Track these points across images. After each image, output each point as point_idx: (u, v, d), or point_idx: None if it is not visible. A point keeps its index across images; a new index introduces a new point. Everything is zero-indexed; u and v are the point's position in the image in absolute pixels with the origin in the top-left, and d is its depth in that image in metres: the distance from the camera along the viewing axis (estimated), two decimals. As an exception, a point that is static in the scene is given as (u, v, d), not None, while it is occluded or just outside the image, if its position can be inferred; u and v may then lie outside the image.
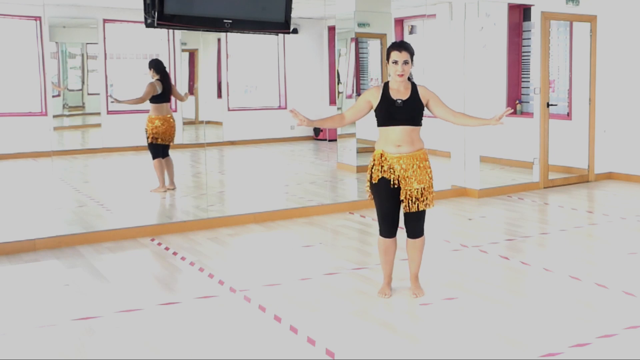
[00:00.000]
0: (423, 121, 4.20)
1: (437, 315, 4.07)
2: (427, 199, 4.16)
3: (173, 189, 7.38)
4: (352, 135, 8.76)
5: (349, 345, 3.60)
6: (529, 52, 8.71)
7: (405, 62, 4.06)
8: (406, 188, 4.11)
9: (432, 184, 4.19)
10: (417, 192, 4.11)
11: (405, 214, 4.20)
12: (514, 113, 9.16)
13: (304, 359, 3.46)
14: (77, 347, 3.61)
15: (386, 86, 4.16)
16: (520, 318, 3.97)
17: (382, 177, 4.12)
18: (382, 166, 4.12)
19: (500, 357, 3.43)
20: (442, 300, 4.28)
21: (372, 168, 4.18)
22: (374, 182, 4.16)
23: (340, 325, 3.89)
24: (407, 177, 4.10)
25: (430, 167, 4.19)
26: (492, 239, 5.87)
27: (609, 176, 8.88)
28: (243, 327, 3.92)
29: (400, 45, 4.09)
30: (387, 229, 4.23)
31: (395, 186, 4.12)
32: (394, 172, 4.10)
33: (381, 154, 4.14)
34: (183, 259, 5.33)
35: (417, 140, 4.15)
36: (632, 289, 4.44)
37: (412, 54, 4.10)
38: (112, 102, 7.55)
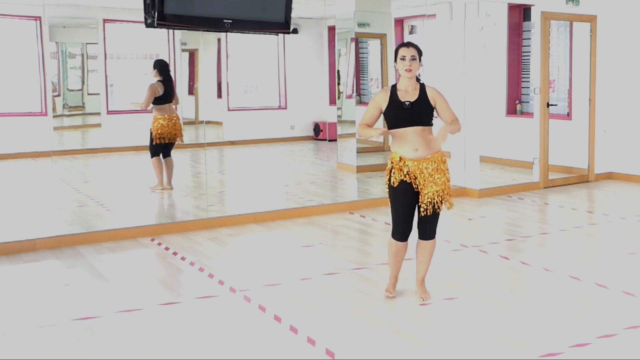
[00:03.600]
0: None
1: (437, 315, 4.07)
2: (445, 200, 4.14)
3: (170, 189, 7.38)
4: (352, 135, 8.77)
5: (349, 345, 3.60)
6: (529, 52, 8.71)
7: (413, 58, 4.07)
8: (425, 192, 4.08)
9: (449, 185, 4.17)
10: (436, 195, 4.09)
11: (420, 216, 4.17)
12: (514, 113, 9.17)
13: (304, 359, 3.46)
14: (77, 347, 3.61)
15: (394, 88, 4.14)
16: (520, 318, 3.98)
17: (403, 181, 4.09)
18: (401, 170, 4.09)
19: (500, 357, 3.43)
20: (442, 300, 4.28)
21: (391, 171, 4.14)
22: (393, 185, 4.12)
23: (340, 325, 3.89)
24: (426, 181, 4.07)
25: (448, 169, 4.17)
26: (492, 239, 5.87)
27: (609, 176, 8.88)
28: (243, 327, 3.92)
29: (408, 43, 4.15)
30: (401, 233, 4.19)
31: (415, 190, 4.10)
32: (415, 177, 4.08)
33: (400, 158, 4.10)
34: (183, 259, 5.33)
35: (432, 141, 4.12)
36: (632, 289, 4.44)
37: (419, 51, 4.12)
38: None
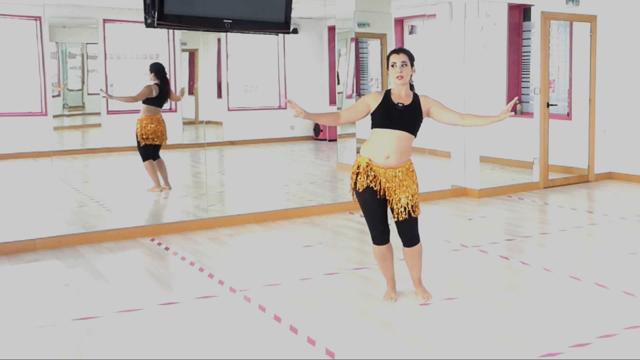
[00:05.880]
0: (423, 125, 4.15)
1: (437, 315, 4.07)
2: (415, 205, 4.09)
3: (169, 189, 7.38)
4: (352, 135, 8.76)
5: (349, 345, 3.60)
6: (529, 52, 8.71)
7: (404, 64, 4.01)
8: (393, 197, 4.05)
9: (417, 190, 4.12)
10: (404, 200, 4.04)
11: (397, 223, 4.12)
12: (514, 113, 9.15)
13: (304, 359, 3.46)
14: (77, 347, 3.61)
15: (388, 92, 4.10)
16: (520, 318, 3.98)
17: (368, 187, 4.04)
18: (367, 175, 4.04)
19: (500, 357, 3.43)
20: (442, 300, 4.28)
21: (356, 175, 4.08)
22: (358, 190, 4.08)
23: (340, 325, 3.89)
24: (393, 187, 4.03)
25: (415, 176, 4.12)
26: (492, 239, 5.87)
27: (609, 176, 8.88)
28: (243, 327, 3.92)
29: (398, 49, 4.09)
30: (380, 236, 4.15)
31: (381, 197, 4.06)
32: (380, 183, 4.03)
33: (367, 163, 4.04)
34: (183, 259, 5.33)
35: (407, 152, 4.07)
36: (632, 289, 4.44)
37: (410, 57, 4.06)
38: (103, 97, 7.55)
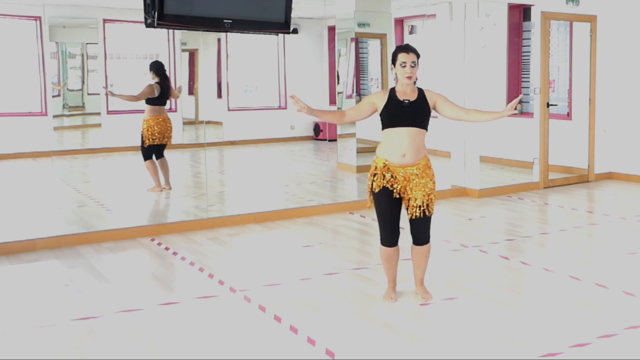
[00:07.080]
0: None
1: (437, 315, 4.07)
2: (430, 204, 4.10)
3: (169, 189, 7.39)
4: (352, 135, 8.76)
5: (349, 345, 3.60)
6: (529, 52, 8.71)
7: (413, 65, 4.00)
8: (410, 196, 4.05)
9: (434, 189, 4.13)
10: (420, 199, 4.05)
11: (411, 222, 4.14)
12: (516, 111, 9.13)
13: (304, 359, 3.46)
14: (77, 347, 3.61)
15: (392, 90, 4.10)
16: (520, 318, 3.98)
17: (384, 187, 4.05)
18: (384, 176, 4.04)
19: (500, 357, 3.43)
20: (442, 300, 4.28)
21: (373, 177, 4.09)
22: (374, 191, 4.08)
23: (340, 325, 3.89)
24: (411, 186, 4.04)
25: (433, 173, 4.13)
26: (492, 239, 5.87)
27: (609, 176, 8.88)
28: (243, 327, 3.92)
29: (407, 47, 4.06)
30: (389, 238, 4.15)
31: (398, 196, 4.07)
32: (398, 182, 4.04)
33: (384, 164, 4.05)
34: (183, 259, 5.33)
35: (422, 148, 4.08)
36: (632, 289, 4.44)
37: (418, 56, 4.06)
38: (105, 94, 7.55)
